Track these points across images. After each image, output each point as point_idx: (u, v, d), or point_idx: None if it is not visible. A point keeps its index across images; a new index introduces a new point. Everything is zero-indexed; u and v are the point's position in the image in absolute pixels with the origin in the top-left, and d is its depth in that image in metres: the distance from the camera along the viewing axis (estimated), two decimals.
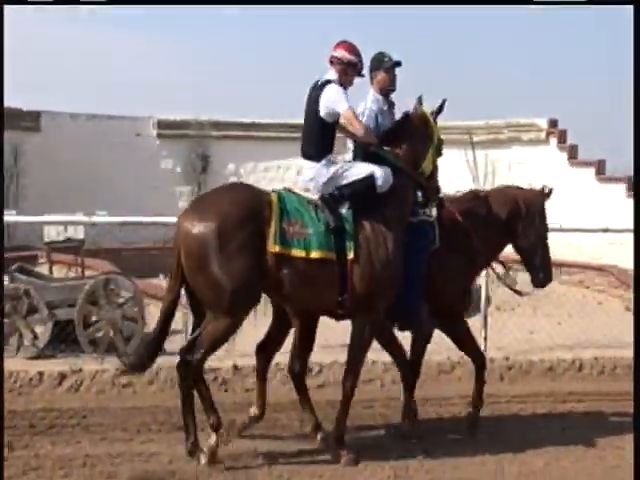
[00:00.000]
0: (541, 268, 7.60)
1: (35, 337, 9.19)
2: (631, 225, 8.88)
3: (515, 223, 7.52)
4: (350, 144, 7.42)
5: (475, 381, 7.54)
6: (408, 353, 7.50)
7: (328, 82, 6.75)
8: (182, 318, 9.20)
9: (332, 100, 6.67)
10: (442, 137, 7.22)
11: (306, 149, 6.88)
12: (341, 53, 6.82)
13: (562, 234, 7.82)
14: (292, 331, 7.22)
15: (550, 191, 7.65)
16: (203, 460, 6.40)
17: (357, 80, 6.98)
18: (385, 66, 7.15)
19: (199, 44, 49.74)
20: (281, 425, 7.47)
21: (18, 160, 17.90)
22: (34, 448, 6.71)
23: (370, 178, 6.69)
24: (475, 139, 16.16)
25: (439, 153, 7.21)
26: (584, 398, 8.61)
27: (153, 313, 11.06)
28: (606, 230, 10.60)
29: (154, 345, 6.78)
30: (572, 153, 18.57)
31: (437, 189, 7.22)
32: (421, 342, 7.51)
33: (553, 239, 7.78)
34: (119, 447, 6.79)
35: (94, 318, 9.47)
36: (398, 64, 7.17)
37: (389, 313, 6.92)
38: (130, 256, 15.82)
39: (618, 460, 6.87)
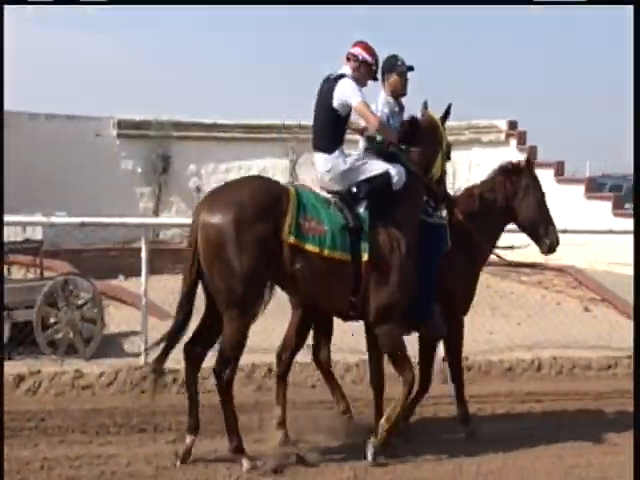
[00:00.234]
0: (546, 235, 7.66)
1: None
2: (590, 226, 9.00)
3: (512, 203, 7.61)
4: (361, 142, 7.37)
5: (454, 381, 7.71)
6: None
7: (342, 76, 6.81)
8: (141, 319, 9.21)
9: (346, 93, 6.71)
10: (450, 142, 7.32)
11: (318, 141, 6.91)
12: (358, 51, 6.91)
13: (521, 235, 7.90)
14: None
15: (529, 159, 7.82)
16: (246, 465, 6.39)
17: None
18: (398, 70, 7.22)
19: (162, 45, 49.65)
20: (241, 426, 7.43)
21: None
22: None
23: (386, 175, 6.75)
24: None
25: (448, 158, 7.30)
26: (543, 398, 8.68)
27: (113, 314, 11.06)
28: (564, 231, 10.64)
29: (170, 342, 6.66)
30: (531, 154, 18.75)
31: (446, 194, 7.32)
32: (433, 343, 7.58)
33: (512, 240, 7.85)
34: (78, 449, 6.74)
35: (53, 320, 9.41)
36: (411, 69, 7.26)
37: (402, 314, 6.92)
38: (90, 257, 15.72)
39: (577, 459, 6.93)
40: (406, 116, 7.27)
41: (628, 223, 16.19)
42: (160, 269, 14.67)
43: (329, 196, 6.71)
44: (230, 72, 49.24)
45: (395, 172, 6.76)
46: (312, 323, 7.32)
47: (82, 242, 16.41)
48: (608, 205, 17.18)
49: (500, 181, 7.64)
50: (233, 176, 20.36)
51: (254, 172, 20.37)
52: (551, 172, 17.38)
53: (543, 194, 7.70)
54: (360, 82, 6.86)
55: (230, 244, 6.21)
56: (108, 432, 7.25)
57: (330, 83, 6.79)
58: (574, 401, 8.68)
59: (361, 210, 6.66)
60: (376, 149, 7.01)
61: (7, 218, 10.30)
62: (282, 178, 20.24)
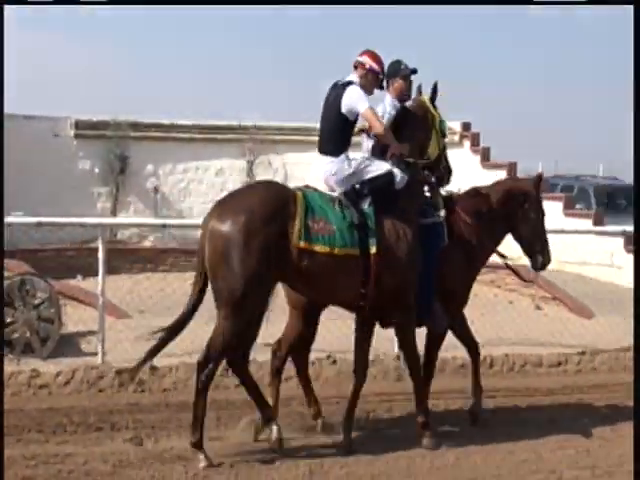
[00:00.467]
0: (540, 252, 7.93)
1: None
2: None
3: (515, 213, 7.87)
4: (364, 143, 7.54)
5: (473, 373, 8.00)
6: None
7: (350, 83, 7.05)
8: (99, 319, 9.23)
9: (353, 99, 6.95)
10: (443, 119, 7.51)
11: (324, 145, 7.13)
12: (366, 59, 7.16)
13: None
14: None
15: (541, 178, 8.07)
16: (203, 462, 6.45)
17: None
18: (402, 74, 7.46)
19: (118, 44, 49.35)
20: None
21: None
22: None
23: (389, 175, 7.01)
24: None
25: (443, 134, 7.54)
26: (495, 394, 8.76)
27: (70, 314, 11.06)
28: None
29: (166, 338, 6.84)
30: (485, 155, 19.01)
31: (448, 169, 7.64)
32: (437, 339, 7.77)
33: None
34: (34, 449, 6.75)
35: (9, 319, 9.39)
36: (414, 72, 7.49)
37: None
38: (47, 257, 15.63)
39: (528, 454, 7.04)
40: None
41: (579, 223, 16.57)
42: (118, 269, 14.69)
43: (335, 195, 6.95)
44: (188, 73, 49.07)
45: (398, 171, 7.06)
46: (316, 319, 7.49)
47: (39, 242, 16.31)
48: (559, 205, 17.50)
49: (507, 191, 7.91)
50: (191, 176, 20.54)
51: (212, 173, 20.56)
52: (504, 173, 17.61)
53: (544, 214, 8.00)
54: (367, 90, 7.11)
55: (237, 251, 6.40)
56: (65, 431, 7.26)
57: (338, 90, 7.04)
58: (525, 397, 8.82)
59: (366, 206, 6.92)
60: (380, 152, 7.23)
61: None
62: (239, 178, 20.39)
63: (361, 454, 6.89)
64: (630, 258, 16.12)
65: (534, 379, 9.69)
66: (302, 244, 6.56)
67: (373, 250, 6.81)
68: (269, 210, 6.53)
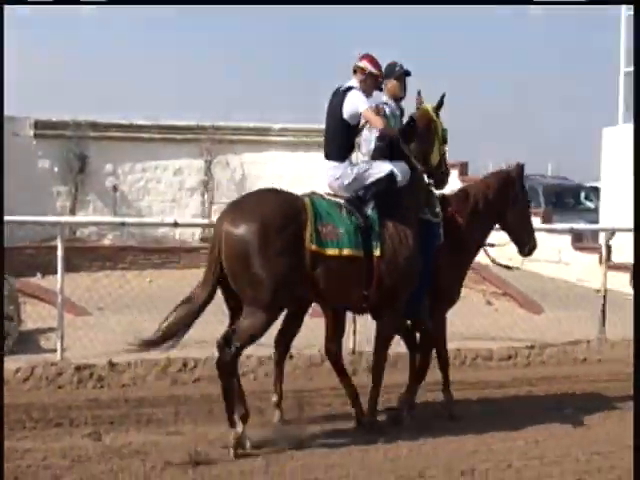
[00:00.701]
0: (528, 240, 8.26)
1: None
2: None
3: (503, 205, 8.13)
4: (363, 145, 7.77)
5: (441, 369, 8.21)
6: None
7: (350, 88, 7.32)
8: (58, 316, 9.27)
9: (354, 103, 7.23)
10: (445, 127, 7.80)
11: (329, 150, 7.42)
12: (364, 64, 7.43)
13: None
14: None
15: (522, 167, 8.28)
16: (238, 430, 6.77)
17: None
18: (396, 74, 7.73)
19: (79, 45, 49.08)
20: (156, 419, 7.59)
21: None
22: None
23: (391, 175, 7.29)
24: None
25: (444, 142, 7.83)
26: None
27: (29, 311, 11.12)
28: None
29: (176, 330, 6.95)
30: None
31: (446, 174, 7.93)
32: (430, 335, 8.07)
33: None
34: None
35: None
36: (408, 73, 7.76)
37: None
38: (6, 255, 15.58)
39: (478, 445, 7.16)
40: (407, 116, 7.77)
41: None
42: (77, 267, 14.76)
43: (340, 200, 7.23)
44: (148, 72, 48.94)
45: (399, 170, 7.34)
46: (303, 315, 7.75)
47: None
48: None
49: (493, 186, 8.15)
50: (149, 176, 20.58)
51: (170, 172, 20.67)
52: (455, 172, 17.82)
53: (529, 203, 8.34)
54: (367, 93, 7.40)
55: (255, 256, 6.65)
56: (24, 427, 7.30)
57: (340, 96, 7.32)
58: (477, 390, 8.97)
59: (369, 211, 7.21)
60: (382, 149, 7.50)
61: None
62: (197, 178, 20.51)
63: (316, 447, 7.00)
64: (577, 255, 16.53)
65: (485, 372, 9.86)
66: (314, 247, 6.86)
67: (377, 253, 7.12)
68: (283, 216, 6.80)
